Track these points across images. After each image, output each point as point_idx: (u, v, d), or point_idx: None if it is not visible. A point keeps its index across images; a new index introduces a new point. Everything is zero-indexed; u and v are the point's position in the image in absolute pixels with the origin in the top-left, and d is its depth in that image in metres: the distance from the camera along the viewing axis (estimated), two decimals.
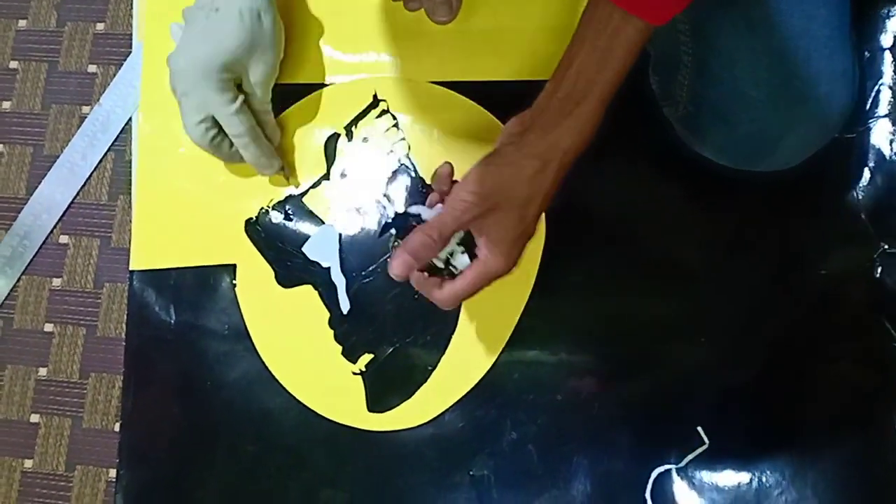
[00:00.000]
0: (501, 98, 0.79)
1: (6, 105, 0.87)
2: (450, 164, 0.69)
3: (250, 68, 0.75)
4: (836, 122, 0.67)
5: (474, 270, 0.65)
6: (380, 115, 0.82)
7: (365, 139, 0.81)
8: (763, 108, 0.66)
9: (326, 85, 0.82)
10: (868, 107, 0.77)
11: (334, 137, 0.82)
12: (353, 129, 0.82)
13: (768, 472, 0.73)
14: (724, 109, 0.68)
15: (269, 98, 0.78)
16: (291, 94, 0.82)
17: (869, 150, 0.77)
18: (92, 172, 0.84)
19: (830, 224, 0.77)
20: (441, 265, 0.67)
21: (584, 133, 0.63)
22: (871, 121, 0.77)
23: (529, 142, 0.63)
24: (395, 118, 0.81)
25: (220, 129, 0.76)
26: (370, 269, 0.79)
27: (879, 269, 0.75)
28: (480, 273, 0.65)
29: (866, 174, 0.77)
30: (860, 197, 0.76)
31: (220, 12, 0.73)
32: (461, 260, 0.67)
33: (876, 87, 0.78)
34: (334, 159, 0.81)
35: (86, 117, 0.85)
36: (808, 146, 0.69)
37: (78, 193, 0.84)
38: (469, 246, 0.67)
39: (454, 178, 0.68)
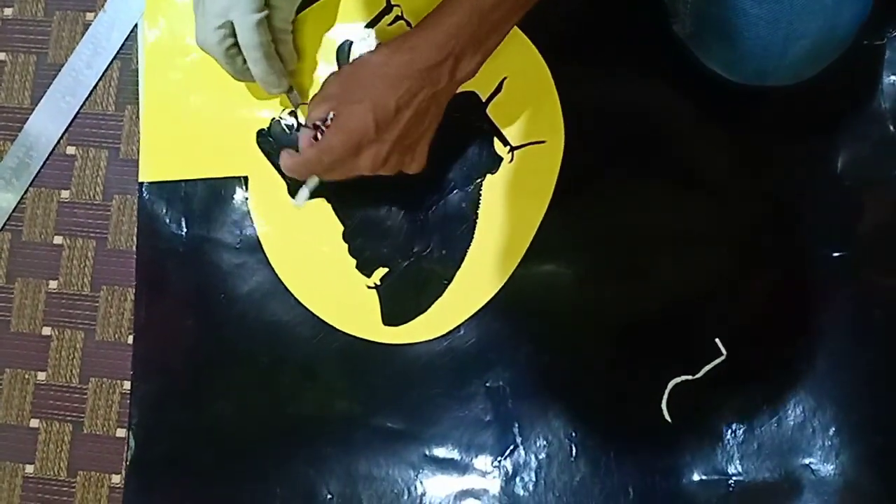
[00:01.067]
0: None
1: (8, 12, 0.84)
2: None
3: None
4: (846, 33, 0.65)
5: (317, 143, 0.69)
6: (393, 22, 0.79)
7: (378, 46, 0.79)
8: (764, 24, 0.64)
9: None
10: (885, 17, 0.75)
11: (347, 44, 0.79)
12: (366, 35, 0.79)
13: (785, 383, 0.73)
14: (725, 27, 0.66)
15: (293, 18, 0.75)
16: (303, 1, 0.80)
17: (889, 62, 0.75)
18: (98, 81, 0.82)
19: (855, 134, 0.75)
20: None
21: (446, 35, 0.66)
22: (890, 31, 0.75)
23: (395, 39, 0.69)
24: (409, 25, 0.79)
25: (237, 40, 0.72)
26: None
27: None
28: (319, 144, 0.69)
29: (891, 82, 0.75)
30: (886, 105, 0.75)
31: None
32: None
33: None
34: None
35: (90, 24, 0.83)
36: (816, 60, 0.67)
37: (84, 103, 0.82)
38: None
39: None
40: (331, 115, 0.69)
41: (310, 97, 0.77)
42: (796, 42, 0.65)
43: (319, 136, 0.69)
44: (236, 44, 0.72)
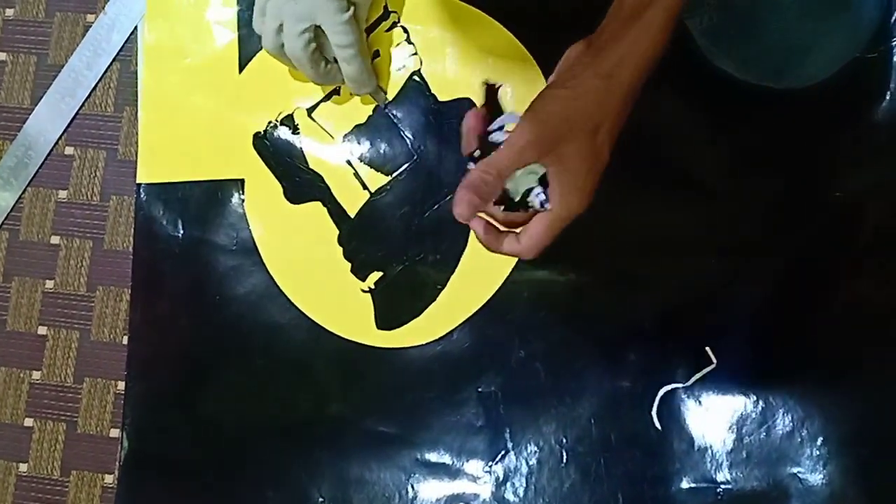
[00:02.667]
0: (519, 13, 0.77)
1: (9, 12, 0.85)
2: (477, 109, 0.60)
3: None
4: (864, 35, 0.66)
5: (550, 214, 0.58)
6: (390, 28, 0.80)
7: (376, 53, 0.79)
8: (793, 16, 0.64)
9: None
10: (892, 24, 0.75)
11: None
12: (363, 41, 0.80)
13: (775, 392, 0.73)
14: (751, 17, 0.65)
15: (366, 16, 0.75)
16: None
17: (892, 70, 0.75)
18: (97, 83, 0.83)
19: (851, 142, 0.75)
20: (517, 199, 0.59)
21: (652, 43, 0.56)
22: (894, 40, 0.75)
23: (591, 62, 0.56)
24: (406, 31, 0.79)
25: (320, 44, 0.72)
26: (380, 185, 0.78)
27: None
28: (556, 215, 0.58)
29: (889, 94, 0.75)
30: (882, 116, 0.75)
31: None
32: (538, 197, 0.58)
33: None
34: None
35: (90, 25, 0.83)
36: (834, 61, 0.67)
37: (83, 104, 0.83)
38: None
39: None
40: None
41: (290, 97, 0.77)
42: (822, 38, 0.65)
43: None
44: (318, 48, 0.72)
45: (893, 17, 0.75)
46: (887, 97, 0.75)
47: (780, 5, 0.64)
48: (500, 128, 0.60)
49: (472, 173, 0.57)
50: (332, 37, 0.71)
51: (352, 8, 0.71)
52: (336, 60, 0.75)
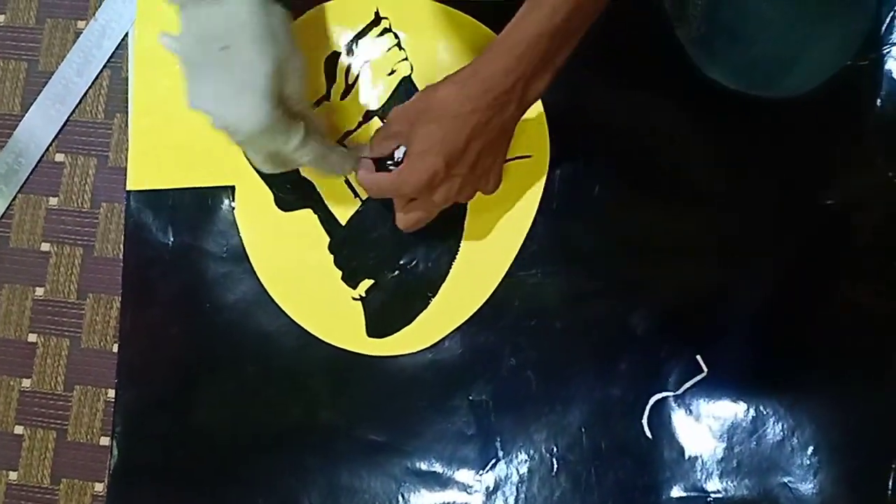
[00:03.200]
0: (509, 19, 0.77)
1: (0, 19, 0.85)
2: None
3: (288, 79, 0.66)
4: (852, 45, 0.66)
5: (391, 175, 0.69)
6: (381, 34, 0.79)
7: (366, 59, 0.79)
8: (779, 27, 0.64)
9: (328, 0, 0.80)
10: (883, 33, 0.75)
11: (334, 56, 0.80)
12: (353, 47, 0.79)
13: (765, 401, 0.73)
14: (738, 29, 0.66)
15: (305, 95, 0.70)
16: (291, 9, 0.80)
17: (883, 78, 0.75)
18: (88, 89, 0.82)
19: (842, 152, 0.75)
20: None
21: (515, 59, 0.62)
22: (885, 48, 0.75)
23: (461, 70, 0.65)
24: (397, 37, 0.79)
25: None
26: None
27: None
28: (393, 179, 0.69)
29: (879, 102, 0.75)
30: (873, 123, 0.75)
31: (233, 50, 0.64)
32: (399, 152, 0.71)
33: (891, 14, 0.75)
34: (335, 79, 0.79)
35: (81, 32, 0.83)
36: (823, 70, 0.67)
37: (74, 111, 0.82)
38: None
39: None
40: (399, 152, 0.69)
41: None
42: (809, 49, 0.65)
43: (391, 166, 0.70)
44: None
45: (885, 26, 0.75)
46: (878, 104, 0.75)
47: (765, 18, 0.64)
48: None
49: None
50: (293, 163, 0.69)
51: (300, 129, 0.67)
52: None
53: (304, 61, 0.68)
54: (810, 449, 0.71)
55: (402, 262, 0.78)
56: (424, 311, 0.77)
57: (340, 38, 0.80)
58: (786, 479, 0.71)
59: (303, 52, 0.68)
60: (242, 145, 0.68)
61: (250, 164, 0.74)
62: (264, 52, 0.64)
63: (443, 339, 0.76)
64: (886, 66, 0.75)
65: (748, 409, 0.73)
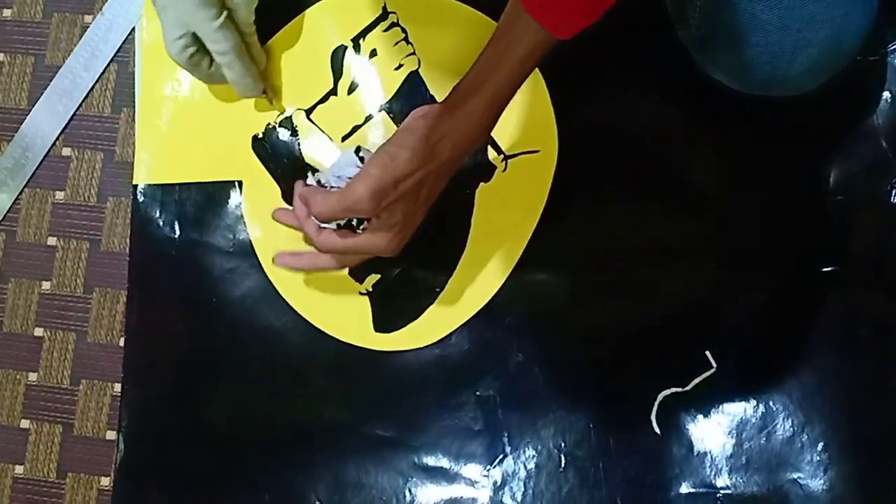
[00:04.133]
0: None
1: (7, 13, 0.85)
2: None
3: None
4: (851, 46, 0.65)
5: (354, 240, 0.68)
6: (388, 28, 0.79)
7: (373, 53, 0.79)
8: (774, 31, 0.64)
9: None
10: (888, 31, 0.75)
11: (341, 50, 0.79)
12: (360, 41, 0.79)
13: (775, 397, 0.72)
14: (735, 32, 0.66)
15: (253, 19, 0.74)
16: (298, 2, 0.80)
17: (890, 74, 0.75)
18: (94, 84, 0.82)
19: (848, 149, 0.75)
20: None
21: (470, 130, 0.64)
22: (891, 45, 0.75)
23: (416, 134, 0.64)
24: (404, 31, 0.79)
25: (200, 47, 0.73)
26: None
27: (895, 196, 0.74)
28: (356, 244, 0.68)
29: (886, 98, 0.75)
30: (880, 122, 0.75)
31: None
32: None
33: None
34: (341, 73, 0.79)
35: (88, 26, 0.83)
36: (822, 71, 0.67)
37: (80, 105, 0.82)
38: None
39: None
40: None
41: (288, 99, 0.77)
42: (804, 50, 0.65)
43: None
44: (199, 50, 0.73)
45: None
46: (885, 101, 0.75)
47: (759, 20, 0.64)
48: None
49: (315, 197, 0.66)
50: (207, 43, 0.72)
51: (224, 13, 0.71)
52: None
53: None
54: (820, 445, 0.71)
55: (408, 258, 0.77)
56: (431, 307, 0.77)
57: (348, 32, 0.79)
58: (795, 476, 0.71)
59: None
60: (162, 11, 0.71)
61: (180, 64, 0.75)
62: None
63: (450, 335, 0.76)
64: (893, 64, 0.75)
65: (757, 405, 0.72)
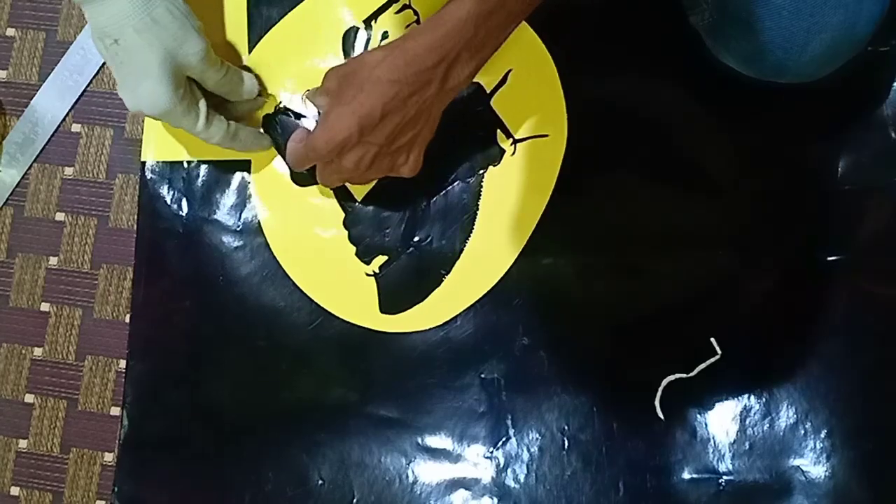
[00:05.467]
0: None
1: None
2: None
3: (187, 62, 0.70)
4: (863, 32, 0.66)
5: (306, 133, 0.71)
6: (400, 10, 0.79)
7: (385, 34, 0.79)
8: (787, 15, 0.64)
9: None
10: None
11: (352, 31, 0.79)
12: (372, 23, 0.79)
13: (779, 385, 0.73)
14: (747, 16, 0.66)
15: (218, 63, 0.73)
16: None
17: None
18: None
19: (857, 139, 0.75)
20: None
21: (440, 37, 0.64)
22: None
23: (393, 41, 0.67)
24: (416, 14, 0.79)
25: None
26: None
27: None
28: (307, 136, 0.70)
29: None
30: (889, 112, 0.75)
31: (121, 43, 0.68)
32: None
33: None
34: (352, 55, 0.79)
35: None
36: (834, 57, 0.68)
37: (91, 81, 0.82)
38: None
39: None
40: (323, 108, 0.70)
41: (300, 80, 0.78)
42: (817, 35, 0.65)
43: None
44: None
45: None
46: None
47: (773, 4, 0.64)
48: None
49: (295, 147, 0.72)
50: (205, 141, 0.74)
51: (202, 110, 0.72)
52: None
53: (205, 44, 0.71)
54: (823, 432, 0.71)
55: (416, 240, 0.78)
56: (438, 289, 0.77)
57: (359, 14, 0.79)
58: (798, 462, 0.71)
59: (206, 37, 0.72)
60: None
61: None
62: (151, 43, 0.68)
63: (455, 317, 0.76)
64: (894, 59, 0.76)
65: (761, 392, 0.73)
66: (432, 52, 0.65)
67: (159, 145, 0.80)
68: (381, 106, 0.66)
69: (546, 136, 0.77)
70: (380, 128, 0.67)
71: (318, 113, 0.71)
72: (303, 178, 0.78)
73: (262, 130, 0.78)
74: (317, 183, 0.77)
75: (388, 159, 0.70)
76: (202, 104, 0.72)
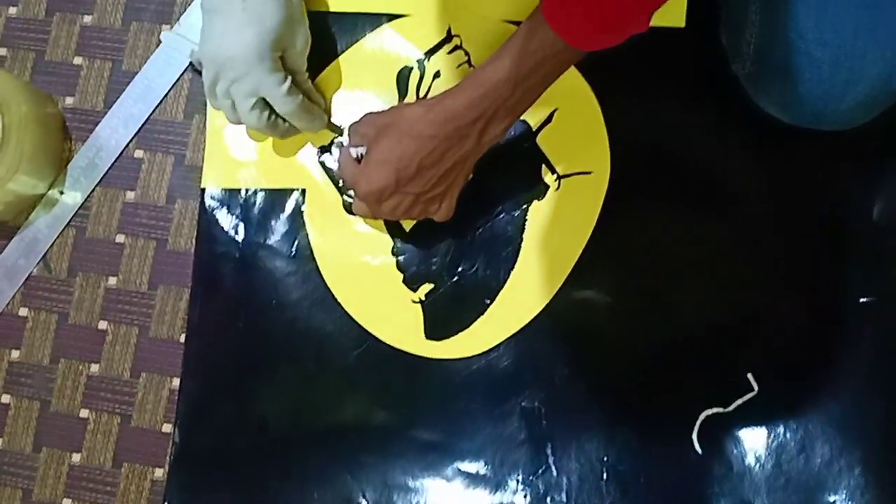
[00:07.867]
0: None
1: (87, 19, 0.89)
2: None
3: (292, 42, 0.76)
4: None
5: (352, 170, 0.75)
6: (452, 51, 0.82)
7: (437, 73, 0.82)
8: (826, 67, 0.67)
9: (402, 16, 0.83)
10: None
11: (407, 70, 0.83)
12: (425, 62, 0.83)
13: (814, 421, 0.74)
14: (787, 68, 0.68)
15: (306, 66, 0.79)
16: (368, 21, 0.83)
17: None
18: (168, 91, 0.86)
19: (892, 182, 0.77)
20: None
21: (479, 97, 0.68)
22: None
23: (433, 97, 0.72)
24: (467, 54, 0.82)
25: (272, 110, 0.77)
26: None
27: None
28: (350, 175, 0.76)
29: None
30: None
31: (248, 3, 0.73)
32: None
33: None
34: (406, 93, 0.82)
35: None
36: (872, 107, 0.70)
37: (154, 110, 0.86)
38: None
39: None
40: (360, 150, 0.74)
41: (355, 116, 0.79)
42: (855, 86, 0.67)
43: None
44: (272, 112, 0.77)
45: None
46: None
47: (813, 58, 0.67)
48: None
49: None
50: (277, 106, 0.76)
51: (289, 77, 0.76)
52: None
53: (309, 39, 0.78)
54: (857, 469, 0.73)
55: (461, 269, 0.80)
56: (481, 317, 0.79)
57: (413, 53, 0.83)
58: (833, 498, 0.73)
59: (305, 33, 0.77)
60: (236, 83, 0.75)
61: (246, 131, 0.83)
62: (276, 8, 0.74)
63: (498, 346, 0.79)
64: None
65: (797, 428, 0.74)
66: (471, 111, 0.69)
67: (219, 173, 0.83)
68: (419, 160, 0.70)
69: (590, 172, 0.80)
70: (416, 180, 0.71)
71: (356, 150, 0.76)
72: None
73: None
74: None
75: (423, 206, 0.75)
76: (289, 76, 0.76)
